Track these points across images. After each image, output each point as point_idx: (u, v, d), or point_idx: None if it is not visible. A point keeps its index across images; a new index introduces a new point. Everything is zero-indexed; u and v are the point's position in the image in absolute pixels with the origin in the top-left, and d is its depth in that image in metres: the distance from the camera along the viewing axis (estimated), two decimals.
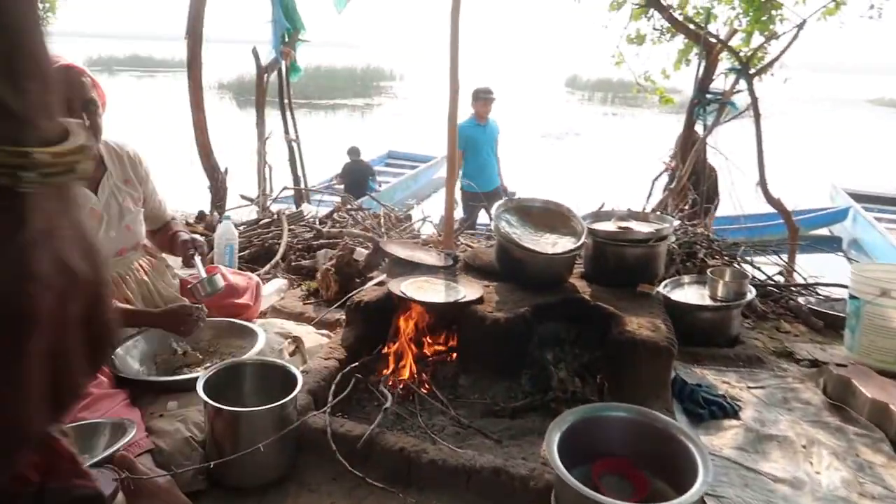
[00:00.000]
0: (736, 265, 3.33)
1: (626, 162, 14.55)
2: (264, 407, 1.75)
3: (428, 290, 2.46)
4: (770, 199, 4.44)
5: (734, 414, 2.24)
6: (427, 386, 2.34)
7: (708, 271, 2.82)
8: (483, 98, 5.79)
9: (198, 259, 2.32)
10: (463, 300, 2.39)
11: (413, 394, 2.28)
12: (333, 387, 2.11)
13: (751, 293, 2.81)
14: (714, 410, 2.22)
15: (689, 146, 4.72)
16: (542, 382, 2.32)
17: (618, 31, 5.42)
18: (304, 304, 2.98)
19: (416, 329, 2.44)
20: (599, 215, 2.97)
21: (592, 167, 14.56)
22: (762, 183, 4.37)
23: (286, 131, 4.99)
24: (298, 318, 2.85)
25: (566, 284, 2.66)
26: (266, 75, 4.63)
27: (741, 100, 4.82)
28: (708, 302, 2.78)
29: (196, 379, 1.88)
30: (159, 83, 32.26)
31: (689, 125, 4.71)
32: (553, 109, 28.27)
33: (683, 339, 2.45)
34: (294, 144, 4.98)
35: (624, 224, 2.80)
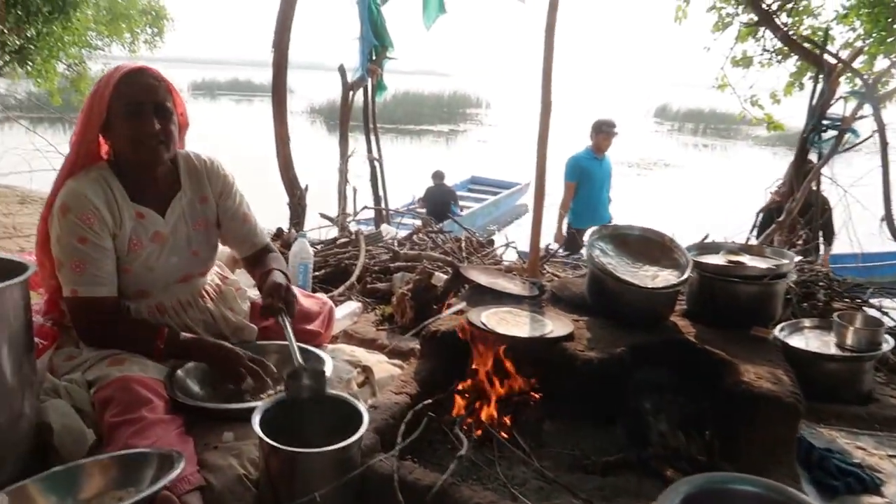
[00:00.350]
0: (866, 309, 2.91)
1: (721, 194, 13.85)
2: (325, 449, 1.55)
3: (511, 323, 2.23)
4: None
5: (875, 489, 1.88)
6: (507, 431, 2.10)
7: (835, 315, 2.45)
8: (605, 131, 5.47)
9: (287, 323, 1.86)
10: (550, 336, 2.14)
11: (492, 439, 2.04)
12: (403, 426, 1.90)
13: (888, 343, 2.41)
14: (850, 483, 1.86)
15: (802, 177, 4.30)
16: (638, 435, 2.03)
17: (721, 52, 5.08)
18: (378, 329, 2.80)
19: (497, 365, 2.20)
20: (706, 247, 2.66)
21: (684, 198, 13.94)
22: (888, 218, 3.90)
23: (369, 150, 4.91)
24: (370, 344, 2.67)
25: (667, 323, 2.37)
26: (351, 93, 4.57)
27: (861, 128, 4.35)
28: (834, 351, 2.40)
29: (255, 409, 1.71)
30: (255, 107, 33.67)
31: (802, 154, 4.30)
32: (641, 139, 27.58)
33: (804, 392, 2.09)
34: (376, 164, 4.89)
35: (735, 258, 2.48)
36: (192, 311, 2.09)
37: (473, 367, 2.20)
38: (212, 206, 2.11)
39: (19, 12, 5.85)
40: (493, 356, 2.20)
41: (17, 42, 6.35)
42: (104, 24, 9.60)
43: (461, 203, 11.36)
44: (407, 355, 2.60)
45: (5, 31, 6.25)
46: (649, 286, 2.28)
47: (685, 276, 2.33)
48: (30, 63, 6.34)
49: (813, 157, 4.49)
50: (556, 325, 2.25)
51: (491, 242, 4.24)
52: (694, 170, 19.97)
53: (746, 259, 2.47)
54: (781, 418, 1.85)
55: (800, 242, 3.89)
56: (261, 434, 1.56)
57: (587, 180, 5.51)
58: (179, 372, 1.95)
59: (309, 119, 27.65)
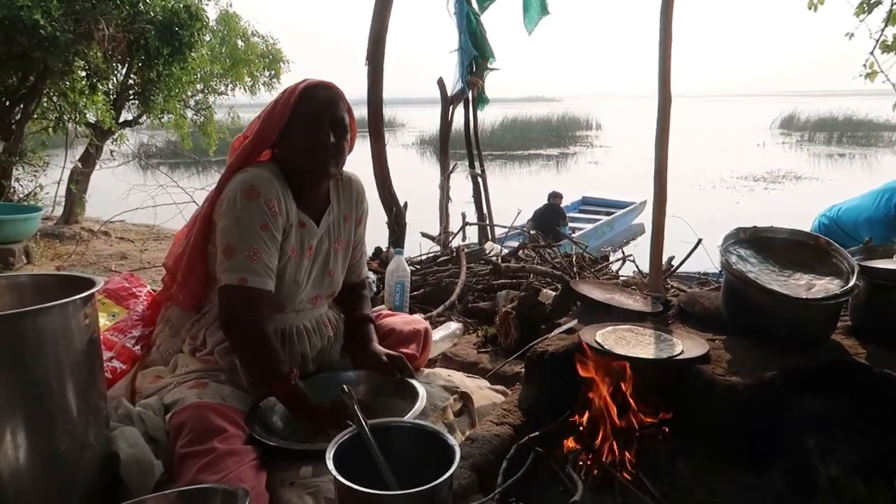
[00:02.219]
0: None
1: None
2: (409, 491, 1.30)
3: (632, 343, 1.90)
4: None
5: None
6: (630, 471, 1.75)
7: None
8: None
9: (355, 405, 1.49)
10: (681, 357, 1.79)
11: (612, 481, 1.71)
12: (506, 463, 1.62)
13: None
14: None
15: None
16: (801, 481, 1.62)
17: (861, 44, 4.43)
18: (479, 352, 2.53)
19: (616, 392, 1.86)
20: (872, 251, 2.20)
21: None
22: None
23: (471, 165, 4.69)
24: (471, 368, 2.41)
25: (828, 343, 1.94)
26: (452, 106, 4.38)
27: None
28: None
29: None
30: (365, 143, 34.73)
31: None
32: (766, 151, 25.80)
33: None
34: (479, 179, 4.66)
35: None
36: (314, 339, 1.94)
37: (588, 393, 1.87)
38: (351, 228, 2.02)
39: (143, 57, 6.21)
40: (611, 382, 1.87)
41: (140, 84, 6.76)
42: (225, 70, 10.14)
43: (572, 224, 10.92)
44: (511, 380, 2.32)
45: (132, 75, 6.69)
46: (805, 297, 1.87)
47: (851, 283, 1.90)
48: (152, 101, 6.72)
49: None
50: (686, 344, 1.89)
51: (605, 258, 3.88)
52: (831, 182, 18.27)
53: None
54: None
55: None
56: (335, 472, 1.33)
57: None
58: (262, 405, 1.77)
59: (419, 150, 28.05)
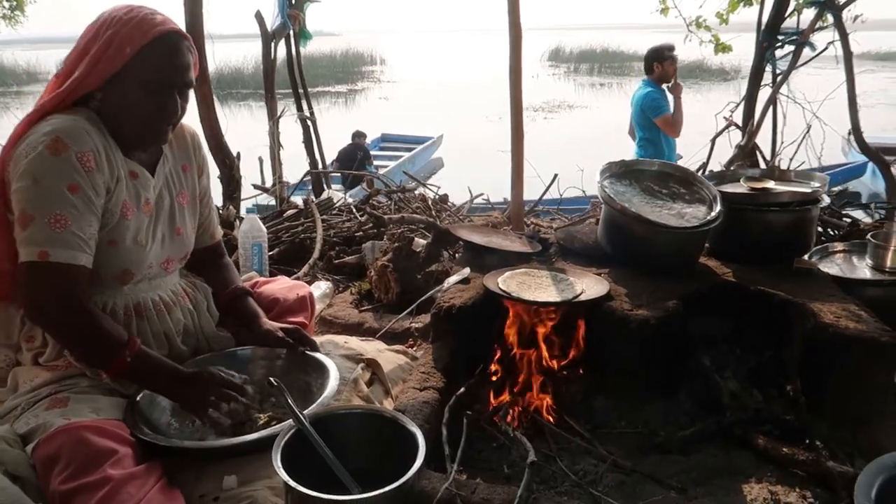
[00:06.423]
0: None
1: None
2: (382, 491, 1.16)
3: (534, 287, 1.89)
4: (865, 149, 3.87)
5: None
6: (553, 414, 1.77)
7: (869, 236, 2.25)
8: (669, 56, 4.46)
9: (290, 401, 1.32)
10: (591, 298, 1.81)
11: (542, 429, 1.71)
12: (445, 430, 1.54)
13: None
14: None
15: (756, 98, 4.14)
16: (707, 400, 1.75)
17: None
18: (361, 311, 2.38)
19: (526, 337, 1.85)
20: (722, 177, 2.41)
21: (602, 137, 13.96)
22: (856, 132, 3.79)
23: (299, 108, 4.34)
24: (357, 330, 2.26)
25: (698, 266, 2.10)
26: (273, 43, 3.97)
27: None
28: (878, 276, 2.20)
29: (262, 440, 1.31)
30: None
31: (758, 73, 4.13)
32: (540, 83, 27.57)
33: None
34: (309, 123, 4.34)
35: (759, 185, 2.23)
36: (175, 313, 1.63)
37: (504, 344, 1.84)
38: (193, 178, 1.70)
39: None
40: (519, 327, 1.86)
41: None
42: None
43: (375, 162, 10.84)
44: (403, 337, 2.21)
45: None
46: (685, 226, 1.99)
47: (718, 209, 2.05)
48: None
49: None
50: (584, 282, 1.92)
51: (445, 197, 3.85)
52: (598, 108, 20.10)
53: (772, 185, 2.22)
54: (878, 361, 1.61)
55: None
56: (286, 478, 1.15)
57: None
58: (140, 400, 1.47)
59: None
